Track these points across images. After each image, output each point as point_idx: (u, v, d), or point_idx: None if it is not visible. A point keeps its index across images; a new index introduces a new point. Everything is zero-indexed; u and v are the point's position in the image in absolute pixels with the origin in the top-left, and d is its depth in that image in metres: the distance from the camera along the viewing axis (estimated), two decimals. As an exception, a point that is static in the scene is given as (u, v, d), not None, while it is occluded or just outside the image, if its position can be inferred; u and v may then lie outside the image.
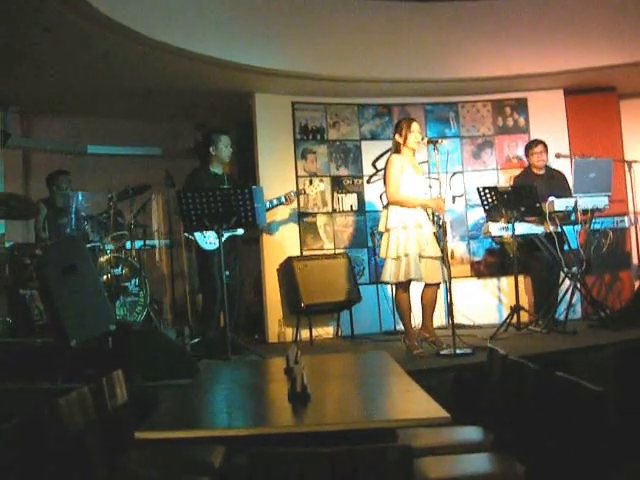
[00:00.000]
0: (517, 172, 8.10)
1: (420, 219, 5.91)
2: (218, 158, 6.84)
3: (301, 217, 8.12)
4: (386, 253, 5.99)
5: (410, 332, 6.11)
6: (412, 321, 6.19)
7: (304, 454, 2.12)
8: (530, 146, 7.75)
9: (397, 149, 6.14)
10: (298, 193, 7.44)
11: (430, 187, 6.06)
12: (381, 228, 6.14)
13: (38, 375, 5.06)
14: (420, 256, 5.86)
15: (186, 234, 6.70)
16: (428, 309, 6.14)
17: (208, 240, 6.55)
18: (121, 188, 7.51)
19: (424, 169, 6.15)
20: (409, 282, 5.96)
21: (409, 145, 6.05)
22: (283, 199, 7.13)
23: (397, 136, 6.11)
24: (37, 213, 7.05)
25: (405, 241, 5.87)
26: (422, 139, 6.12)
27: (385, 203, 6.22)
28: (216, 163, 6.86)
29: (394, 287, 6.42)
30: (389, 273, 5.96)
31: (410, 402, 2.94)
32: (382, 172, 8.08)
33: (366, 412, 2.90)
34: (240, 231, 6.59)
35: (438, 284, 6.11)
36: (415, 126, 6.07)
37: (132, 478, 3.03)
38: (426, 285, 6.07)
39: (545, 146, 7.67)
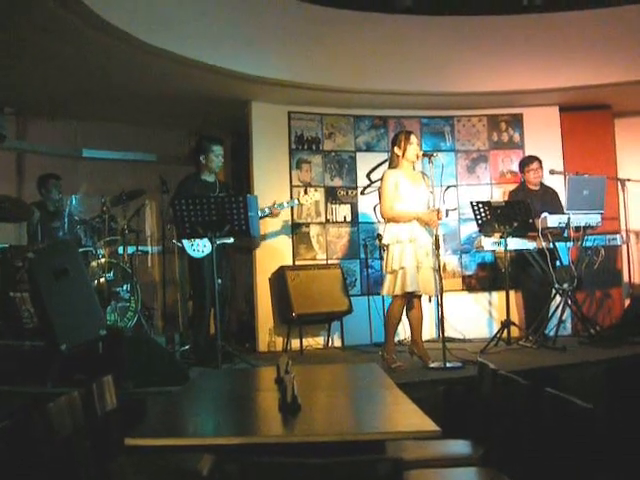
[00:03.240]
0: (511, 187, 8.14)
1: (415, 232, 5.92)
2: (208, 167, 6.80)
3: (294, 227, 8.13)
4: (385, 268, 6.05)
5: (390, 346, 6.11)
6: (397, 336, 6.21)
7: (293, 464, 2.11)
8: (526, 163, 7.78)
9: (394, 162, 6.15)
10: (292, 204, 7.44)
11: (432, 195, 6.07)
12: (383, 245, 6.20)
13: (27, 379, 5.04)
14: (418, 267, 5.87)
15: (174, 241, 6.69)
16: (415, 323, 6.14)
17: (195, 248, 6.53)
18: (115, 193, 7.51)
19: (428, 179, 6.10)
20: (406, 296, 5.96)
21: (408, 158, 6.06)
22: (267, 211, 6.94)
23: (396, 148, 6.12)
24: (30, 216, 7.03)
25: (400, 255, 5.88)
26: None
27: (380, 217, 6.23)
28: (206, 171, 6.84)
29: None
30: (387, 287, 6.00)
31: (400, 414, 2.94)
32: (376, 184, 8.15)
33: (356, 423, 2.90)
34: (230, 239, 6.55)
35: (420, 297, 6.11)
36: (414, 139, 6.10)
37: (120, 485, 3.02)
38: (411, 300, 6.07)
39: (540, 162, 7.72)
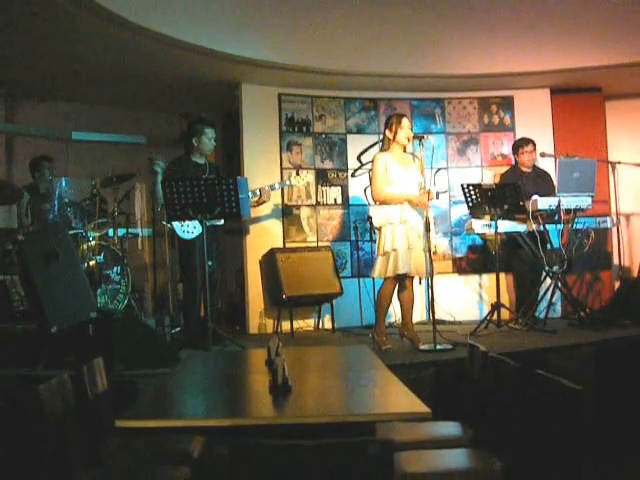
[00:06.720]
0: (502, 170, 8.13)
1: (406, 214, 5.91)
2: (200, 149, 6.75)
3: (285, 209, 8.11)
4: (377, 250, 6.04)
5: (381, 328, 6.12)
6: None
7: (284, 446, 2.12)
8: (520, 144, 7.76)
9: (385, 145, 6.15)
10: (284, 185, 7.41)
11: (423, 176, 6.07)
12: (375, 228, 6.18)
13: (18, 361, 5.04)
14: (410, 249, 5.87)
15: (164, 222, 6.66)
16: (406, 305, 6.15)
17: (185, 229, 6.50)
18: (105, 175, 7.48)
19: (419, 160, 6.09)
20: (397, 278, 5.96)
21: (398, 141, 6.06)
22: (251, 195, 6.78)
23: (387, 131, 6.12)
24: (19, 198, 7.00)
25: (392, 237, 5.87)
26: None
27: (371, 200, 6.23)
28: (197, 153, 6.79)
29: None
30: (378, 269, 5.98)
31: (391, 396, 2.95)
32: (367, 167, 8.14)
33: (347, 405, 2.91)
34: (221, 220, 6.52)
35: (412, 278, 6.11)
36: (405, 122, 6.07)
37: (111, 467, 3.02)
38: (402, 282, 6.07)
39: (534, 145, 7.71)
